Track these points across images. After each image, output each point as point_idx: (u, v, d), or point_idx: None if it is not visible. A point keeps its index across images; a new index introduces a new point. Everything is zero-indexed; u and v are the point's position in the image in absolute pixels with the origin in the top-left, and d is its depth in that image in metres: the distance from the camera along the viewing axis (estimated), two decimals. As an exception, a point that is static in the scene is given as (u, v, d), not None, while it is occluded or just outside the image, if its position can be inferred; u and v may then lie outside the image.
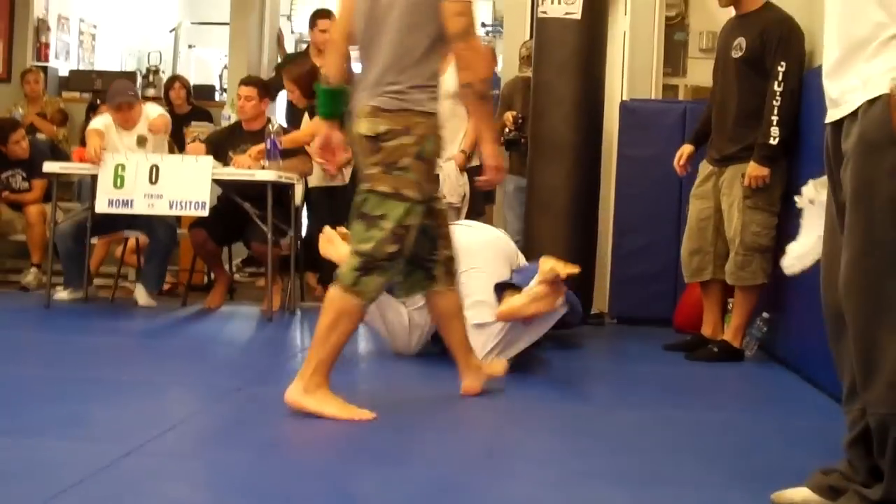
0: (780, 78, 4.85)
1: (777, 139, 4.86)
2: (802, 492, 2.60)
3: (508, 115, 6.67)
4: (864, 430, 2.43)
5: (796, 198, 3.48)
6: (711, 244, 5.22)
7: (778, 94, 4.85)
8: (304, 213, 7.01)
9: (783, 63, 4.86)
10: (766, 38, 4.93)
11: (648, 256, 6.10)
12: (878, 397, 2.34)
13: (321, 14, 7.72)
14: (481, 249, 4.69)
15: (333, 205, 6.51)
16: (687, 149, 5.41)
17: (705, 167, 5.30)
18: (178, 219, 7.03)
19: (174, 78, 9.45)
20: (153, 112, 6.78)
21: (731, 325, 5.18)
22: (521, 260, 4.96)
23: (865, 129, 2.34)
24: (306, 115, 6.66)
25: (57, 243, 6.56)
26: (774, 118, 4.86)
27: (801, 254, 3.32)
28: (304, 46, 8.07)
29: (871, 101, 2.33)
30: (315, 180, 6.84)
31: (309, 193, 6.93)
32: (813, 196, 3.28)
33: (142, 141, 6.60)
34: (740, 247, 5.03)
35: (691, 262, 5.31)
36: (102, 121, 6.61)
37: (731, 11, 5.31)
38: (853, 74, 2.40)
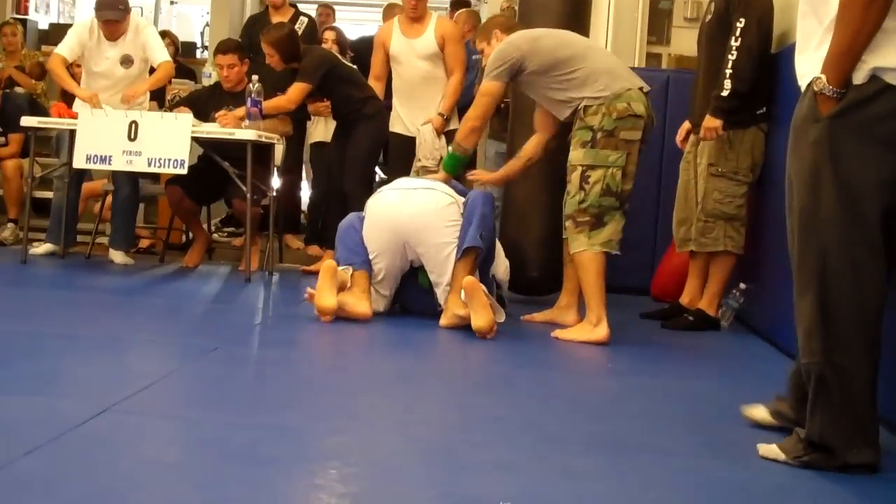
0: (737, 33, 4.88)
1: (728, 91, 4.89)
2: (761, 411, 3.12)
3: None
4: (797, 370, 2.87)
5: None
6: (695, 213, 5.23)
7: (734, 48, 4.87)
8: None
9: (742, 19, 4.88)
10: None
11: (628, 224, 6.09)
12: (800, 348, 2.73)
13: None
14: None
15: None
16: (686, 125, 5.40)
17: (692, 137, 5.34)
18: (157, 176, 6.99)
19: (163, 34, 9.29)
20: (147, 30, 6.65)
21: (706, 293, 5.21)
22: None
23: (796, 115, 2.75)
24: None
25: (53, 197, 6.53)
26: (728, 71, 4.89)
27: None
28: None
29: (805, 89, 2.71)
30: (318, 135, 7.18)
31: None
32: None
33: (126, 60, 6.51)
34: (701, 213, 5.10)
35: (679, 232, 5.36)
36: (78, 33, 6.48)
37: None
38: (804, 60, 2.76)
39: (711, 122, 4.94)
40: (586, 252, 4.65)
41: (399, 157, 6.69)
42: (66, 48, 6.43)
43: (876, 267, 2.63)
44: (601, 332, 4.62)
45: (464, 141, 4.99)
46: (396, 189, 5.11)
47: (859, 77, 2.57)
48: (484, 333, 4.46)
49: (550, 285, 5.73)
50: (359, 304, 4.76)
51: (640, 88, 4.71)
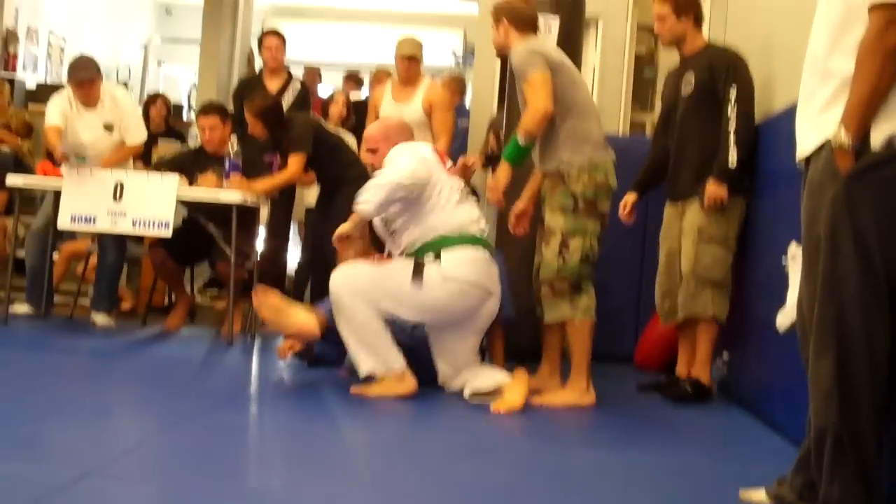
0: (732, 101, 4.89)
1: (736, 161, 4.89)
2: (760, 493, 3.02)
3: (491, 137, 6.74)
4: (807, 449, 2.77)
5: (782, 257, 3.58)
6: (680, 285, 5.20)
7: (733, 117, 4.88)
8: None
9: (734, 86, 4.90)
10: (715, 69, 4.98)
11: (611, 292, 6.10)
12: (816, 410, 2.67)
13: (268, 33, 7.82)
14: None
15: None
16: (631, 197, 5.40)
17: (669, 208, 5.32)
18: (141, 238, 6.97)
19: (156, 96, 9.33)
20: (125, 101, 6.72)
21: (698, 362, 5.14)
22: None
23: (812, 173, 2.75)
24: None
25: (26, 257, 6.50)
26: (732, 139, 4.89)
27: (788, 308, 3.44)
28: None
29: (819, 148, 2.72)
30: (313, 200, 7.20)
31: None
32: (795, 253, 3.46)
33: (109, 127, 6.52)
34: (692, 277, 5.04)
35: (664, 305, 5.32)
36: (60, 104, 6.44)
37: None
38: (809, 120, 2.79)
39: (719, 188, 4.93)
40: (575, 320, 4.70)
41: None
42: (55, 117, 6.36)
43: (885, 327, 2.62)
44: (590, 396, 4.70)
45: (536, 128, 4.67)
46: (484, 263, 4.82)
47: (877, 142, 2.61)
48: (515, 410, 4.49)
49: (537, 353, 5.73)
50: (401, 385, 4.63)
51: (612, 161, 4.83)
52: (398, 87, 6.77)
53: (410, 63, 6.73)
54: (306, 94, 7.73)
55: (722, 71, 4.96)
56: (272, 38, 7.68)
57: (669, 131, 5.29)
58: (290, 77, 7.69)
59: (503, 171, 4.71)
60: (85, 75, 6.46)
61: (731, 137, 4.89)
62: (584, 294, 4.74)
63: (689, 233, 5.09)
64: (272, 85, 7.45)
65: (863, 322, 2.60)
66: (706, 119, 5.00)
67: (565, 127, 4.75)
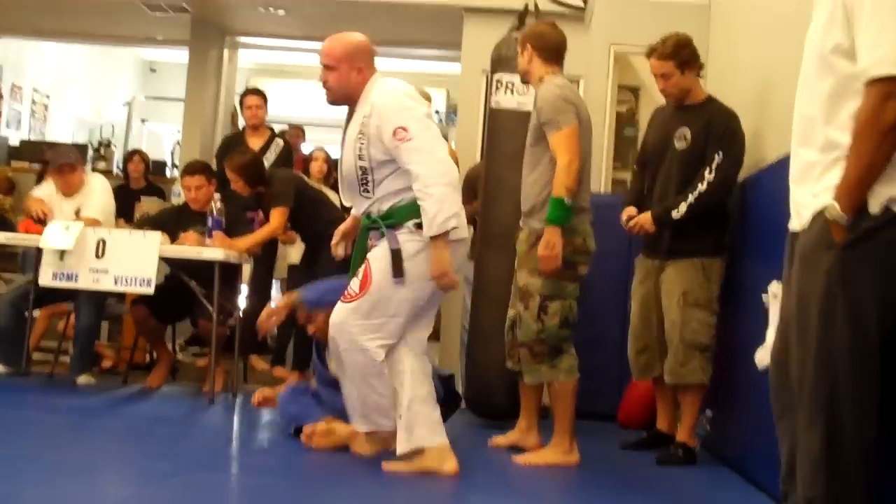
0: (713, 166, 4.89)
1: (680, 216, 4.94)
2: None
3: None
4: None
5: (763, 295, 3.58)
6: (658, 341, 5.17)
7: (707, 181, 4.89)
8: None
9: (720, 153, 4.89)
10: (711, 130, 4.96)
11: (593, 350, 6.07)
12: (803, 479, 2.65)
13: (249, 92, 7.87)
14: None
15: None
16: (632, 210, 5.25)
17: (644, 263, 5.29)
18: (123, 295, 6.94)
19: (134, 152, 9.38)
20: (97, 184, 6.75)
21: (684, 426, 5.07)
22: None
23: (805, 242, 2.71)
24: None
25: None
26: (692, 197, 4.91)
27: (769, 346, 3.42)
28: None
29: (814, 217, 2.67)
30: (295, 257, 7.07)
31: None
32: (776, 291, 3.46)
33: (79, 213, 6.52)
34: (680, 344, 4.98)
35: (639, 361, 5.28)
36: (45, 190, 6.59)
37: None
38: (806, 190, 2.74)
39: (648, 225, 5.05)
40: (556, 382, 4.72)
41: None
42: (40, 193, 6.69)
43: (875, 397, 2.60)
44: (574, 456, 4.70)
45: (574, 183, 4.64)
46: None
47: (874, 207, 2.58)
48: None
49: (516, 411, 5.71)
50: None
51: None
52: None
53: None
54: (289, 152, 7.76)
55: (716, 134, 4.94)
56: (252, 98, 7.74)
57: (649, 173, 5.26)
58: (273, 134, 7.72)
59: (556, 235, 4.61)
60: (65, 160, 6.60)
61: (693, 196, 4.91)
62: (564, 355, 4.75)
63: (671, 294, 5.05)
64: (254, 143, 7.48)
65: (854, 397, 2.59)
66: (691, 177, 4.98)
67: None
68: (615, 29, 7.14)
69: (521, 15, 6.07)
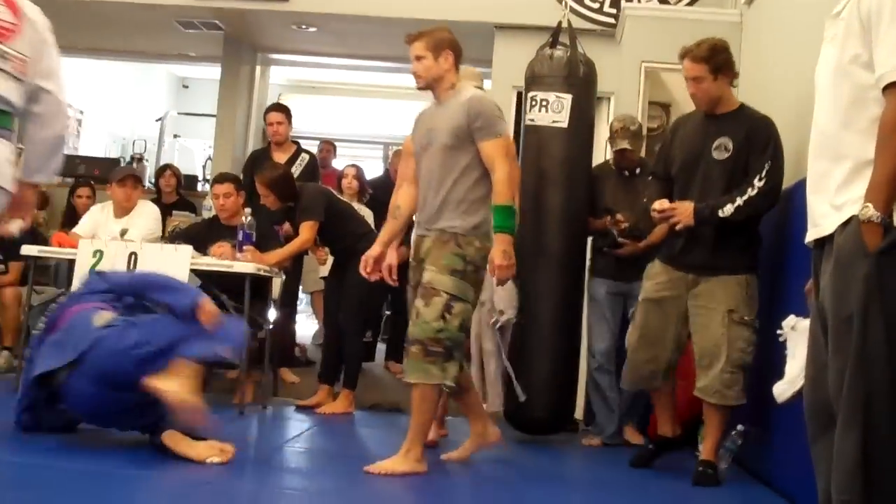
0: (762, 173, 4.76)
1: (726, 217, 4.79)
2: None
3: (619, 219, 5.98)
4: None
5: (779, 331, 3.56)
6: (670, 352, 5.03)
7: (757, 187, 4.76)
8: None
9: (770, 162, 4.77)
10: (753, 138, 4.84)
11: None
12: (837, 485, 2.64)
13: (271, 108, 7.92)
14: None
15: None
16: (665, 201, 5.03)
17: (667, 272, 5.07)
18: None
19: (166, 167, 9.45)
20: (147, 209, 6.99)
21: (709, 444, 4.95)
22: None
23: (840, 250, 2.70)
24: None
25: (31, 325, 6.50)
26: (740, 200, 4.77)
27: (790, 378, 3.43)
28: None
29: (844, 224, 2.69)
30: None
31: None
32: (794, 324, 3.45)
33: (125, 233, 6.62)
34: (727, 364, 4.81)
35: (644, 370, 5.07)
36: (93, 216, 6.93)
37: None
38: (826, 200, 2.77)
39: (688, 219, 4.86)
40: (429, 386, 4.51)
41: None
42: (82, 229, 6.86)
43: None
44: (423, 465, 4.53)
45: (515, 194, 4.69)
46: None
47: None
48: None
49: (556, 426, 5.72)
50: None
51: None
52: None
53: None
54: (315, 166, 7.80)
55: (761, 143, 4.82)
56: (274, 114, 7.79)
57: (678, 184, 5.10)
58: (298, 149, 7.77)
59: (510, 244, 4.52)
60: (130, 172, 7.01)
61: (742, 199, 4.77)
62: (454, 361, 4.52)
63: (713, 311, 4.87)
64: (280, 157, 7.52)
65: (891, 403, 2.59)
66: (734, 186, 4.85)
67: (478, 188, 4.60)
68: (646, 46, 7.15)
69: (555, 32, 6.09)
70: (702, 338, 4.92)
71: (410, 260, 4.77)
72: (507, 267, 4.51)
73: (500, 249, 4.49)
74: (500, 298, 5.38)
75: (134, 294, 4.67)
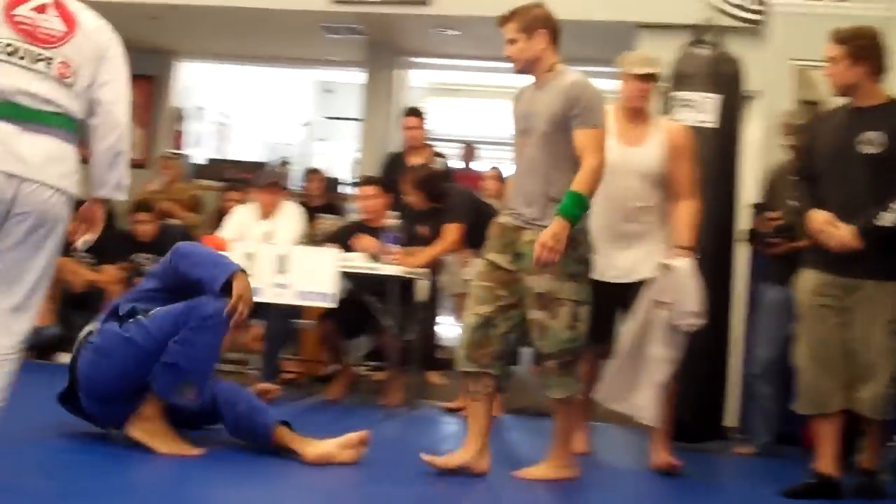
0: None
1: (886, 225, 4.46)
2: None
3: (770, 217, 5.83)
4: None
5: None
6: (845, 369, 4.60)
7: None
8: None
9: None
10: None
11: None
12: None
13: (407, 112, 7.99)
14: None
15: None
16: (828, 215, 4.61)
17: (827, 280, 4.67)
18: (301, 309, 7.09)
19: (314, 171, 9.66)
20: (291, 211, 7.12)
21: (871, 454, 4.73)
22: None
23: None
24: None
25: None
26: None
27: None
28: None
29: None
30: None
31: None
32: None
33: (269, 235, 6.77)
34: (885, 375, 4.52)
35: (833, 398, 4.61)
36: (239, 217, 7.03)
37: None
38: None
39: (851, 240, 4.49)
40: (578, 395, 4.47)
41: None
42: (229, 232, 6.97)
43: None
44: (573, 471, 4.52)
45: (596, 188, 4.35)
46: None
47: None
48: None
49: (702, 434, 5.62)
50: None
51: None
52: (626, 124, 5.11)
53: (644, 86, 5.09)
54: (448, 170, 7.86)
55: None
56: (410, 118, 7.88)
57: (824, 182, 4.73)
58: (433, 152, 7.83)
59: (566, 230, 4.24)
60: (273, 179, 7.19)
61: None
62: (579, 366, 4.44)
63: (873, 317, 4.55)
64: (415, 161, 7.58)
65: None
66: (882, 184, 4.51)
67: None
68: (794, 43, 6.98)
69: (701, 29, 6.01)
70: (863, 347, 4.59)
71: (493, 246, 4.58)
72: (551, 250, 4.22)
73: (553, 231, 4.23)
74: (694, 300, 4.88)
75: (175, 273, 4.41)
